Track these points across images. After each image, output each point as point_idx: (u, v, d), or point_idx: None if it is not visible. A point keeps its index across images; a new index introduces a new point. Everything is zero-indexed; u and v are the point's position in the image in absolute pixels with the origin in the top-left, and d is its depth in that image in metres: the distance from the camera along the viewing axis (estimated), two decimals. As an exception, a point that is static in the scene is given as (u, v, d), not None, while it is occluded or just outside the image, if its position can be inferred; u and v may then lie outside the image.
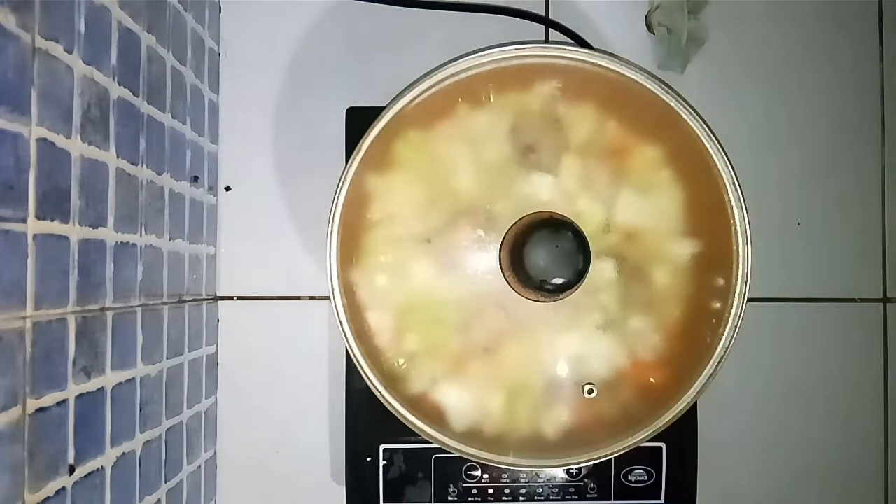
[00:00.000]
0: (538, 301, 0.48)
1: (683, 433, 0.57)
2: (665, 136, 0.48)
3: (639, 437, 0.48)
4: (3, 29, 0.31)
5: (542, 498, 0.56)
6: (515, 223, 0.48)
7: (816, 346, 0.65)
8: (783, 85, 0.65)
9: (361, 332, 0.48)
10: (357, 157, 0.47)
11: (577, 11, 0.64)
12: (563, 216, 0.47)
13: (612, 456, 0.48)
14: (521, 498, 0.56)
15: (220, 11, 0.63)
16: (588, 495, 0.56)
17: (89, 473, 0.39)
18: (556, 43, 0.48)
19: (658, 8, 0.62)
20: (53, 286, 0.36)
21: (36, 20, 0.34)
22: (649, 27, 0.64)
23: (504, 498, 0.56)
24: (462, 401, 0.48)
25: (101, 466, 0.41)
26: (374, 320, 0.48)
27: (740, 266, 0.47)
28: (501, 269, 0.48)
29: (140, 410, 0.46)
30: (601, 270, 0.48)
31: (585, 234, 0.46)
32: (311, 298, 0.63)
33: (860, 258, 0.65)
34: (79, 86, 0.38)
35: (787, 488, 0.64)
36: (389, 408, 0.47)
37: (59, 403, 0.36)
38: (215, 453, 0.62)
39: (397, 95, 0.47)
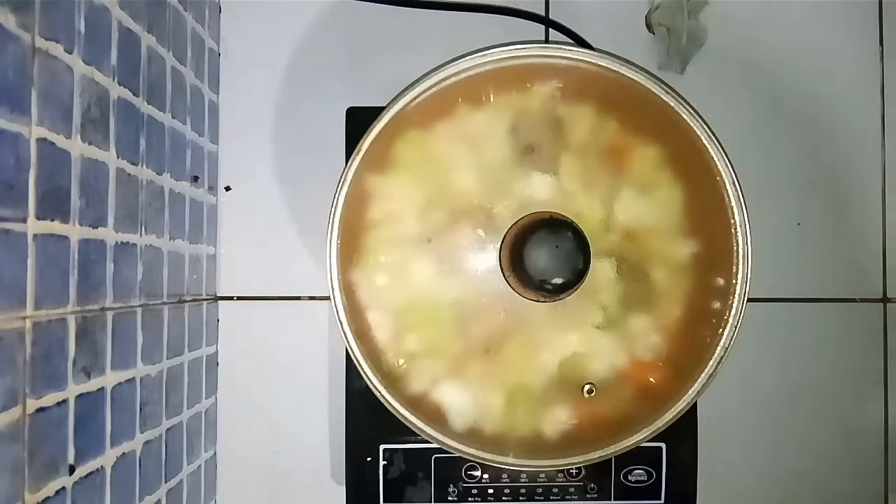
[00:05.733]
0: (538, 301, 0.48)
1: (683, 433, 0.57)
2: (665, 136, 0.48)
3: (639, 437, 0.48)
4: (3, 29, 0.31)
5: (542, 498, 0.56)
6: (515, 223, 0.48)
7: (816, 346, 0.65)
8: (783, 85, 0.65)
9: (361, 332, 0.48)
10: (357, 157, 0.47)
11: (577, 11, 0.64)
12: (563, 216, 0.47)
13: (612, 456, 0.48)
14: (521, 498, 0.56)
15: (220, 11, 0.63)
16: (588, 495, 0.56)
17: (89, 473, 0.39)
18: (556, 43, 0.48)
19: (658, 8, 0.62)
20: (53, 286, 0.36)
21: (36, 20, 0.34)
22: (649, 27, 0.64)
23: (504, 498, 0.56)
24: (462, 401, 0.48)
25: (101, 466, 0.41)
26: (374, 320, 0.48)
27: (740, 266, 0.47)
28: (501, 269, 0.48)
29: (140, 410, 0.46)
30: (601, 270, 0.48)
31: (585, 234, 0.46)
32: (311, 298, 0.63)
33: (860, 258, 0.65)
34: (79, 86, 0.38)
35: (788, 488, 0.64)
36: (389, 408, 0.47)
37: (59, 403, 0.36)
38: (215, 453, 0.62)
39: (397, 95, 0.47)
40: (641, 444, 0.48)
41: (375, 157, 0.47)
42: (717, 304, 0.48)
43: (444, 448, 0.47)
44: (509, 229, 0.48)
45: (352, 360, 0.47)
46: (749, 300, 0.47)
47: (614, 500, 0.57)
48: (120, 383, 0.43)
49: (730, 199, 0.47)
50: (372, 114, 0.47)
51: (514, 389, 0.48)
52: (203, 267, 0.59)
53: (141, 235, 0.46)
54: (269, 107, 0.63)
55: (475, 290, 0.48)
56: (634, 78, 0.47)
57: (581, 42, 0.61)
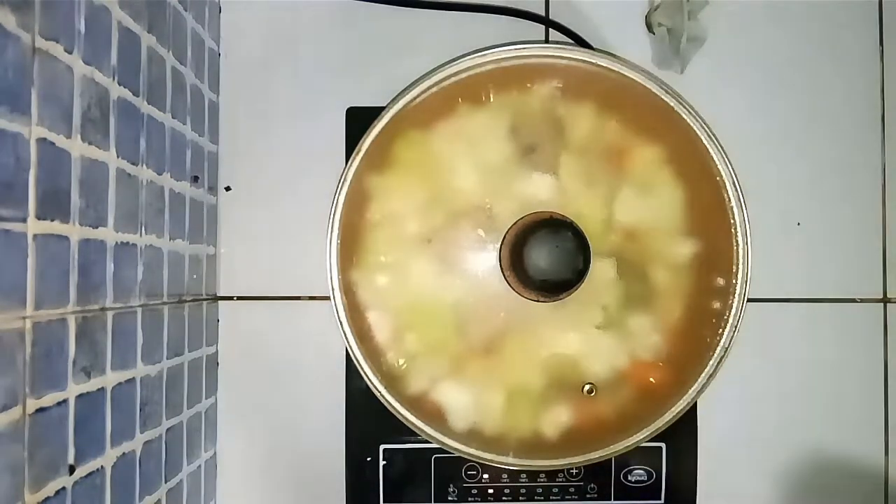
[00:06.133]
0: (538, 301, 0.48)
1: (683, 433, 0.57)
2: (665, 136, 0.48)
3: (639, 437, 0.48)
4: (3, 29, 0.31)
5: (542, 498, 0.56)
6: (515, 223, 0.48)
7: (816, 346, 0.64)
8: (783, 85, 0.65)
9: (361, 332, 0.48)
10: (357, 157, 0.47)
11: (577, 11, 0.64)
12: (563, 216, 0.47)
13: (612, 456, 0.48)
14: (521, 498, 0.56)
15: (220, 11, 0.63)
16: (588, 495, 0.56)
17: (89, 473, 0.39)
18: (556, 43, 0.48)
19: (658, 8, 0.62)
20: (53, 286, 0.36)
21: (36, 20, 0.34)
22: (649, 27, 0.64)
23: (504, 498, 0.56)
24: (462, 401, 0.48)
25: (101, 466, 0.41)
26: (374, 320, 0.48)
27: (740, 266, 0.47)
28: (501, 269, 0.48)
29: (140, 410, 0.46)
30: (601, 270, 0.48)
31: (585, 234, 0.46)
32: (311, 298, 0.63)
33: (860, 258, 0.65)
34: (79, 86, 0.38)
35: (787, 488, 0.64)
36: (389, 408, 0.47)
37: (59, 403, 0.36)
38: (215, 453, 0.62)
39: (397, 95, 0.47)
40: (641, 444, 0.48)
41: (375, 157, 0.47)
42: (717, 304, 0.48)
43: (444, 448, 0.47)
44: (509, 229, 0.48)
45: (352, 360, 0.48)
46: (749, 300, 0.47)
47: (614, 500, 0.57)
48: (120, 383, 0.43)
49: (730, 200, 0.47)
50: (372, 114, 0.47)
51: (514, 389, 0.48)
52: (203, 267, 0.59)
53: (141, 235, 0.46)
54: (269, 107, 0.63)
55: (475, 290, 0.48)
56: (634, 78, 0.47)
57: (581, 42, 0.61)
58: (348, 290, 0.47)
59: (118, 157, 0.43)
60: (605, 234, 0.48)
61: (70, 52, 0.37)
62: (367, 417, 0.57)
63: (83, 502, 0.39)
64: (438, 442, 0.47)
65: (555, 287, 0.46)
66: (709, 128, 0.47)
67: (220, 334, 0.63)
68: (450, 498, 0.56)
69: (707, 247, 0.48)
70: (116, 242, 0.43)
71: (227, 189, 0.63)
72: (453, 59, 0.47)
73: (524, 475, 0.56)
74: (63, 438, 0.37)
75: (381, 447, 0.56)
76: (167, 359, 0.51)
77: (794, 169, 0.65)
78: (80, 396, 0.38)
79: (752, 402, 0.64)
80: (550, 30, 0.63)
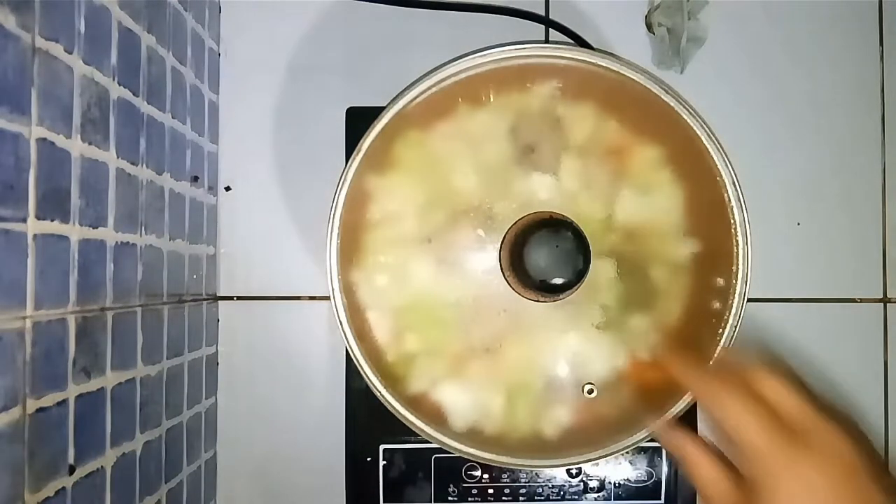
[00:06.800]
0: (538, 301, 0.48)
1: (683, 433, 0.57)
2: (665, 136, 0.48)
3: (639, 437, 0.48)
4: (3, 29, 0.31)
5: (542, 498, 0.56)
6: (515, 223, 0.48)
7: (816, 346, 0.64)
8: (783, 85, 0.65)
9: (361, 332, 0.48)
10: (357, 157, 0.47)
11: (577, 11, 0.64)
12: (563, 216, 0.47)
13: (612, 456, 0.48)
14: (521, 498, 0.56)
15: (220, 11, 0.63)
16: (588, 495, 0.56)
17: (89, 473, 0.39)
18: (556, 43, 0.48)
19: (658, 8, 0.62)
20: (53, 286, 0.36)
21: (36, 20, 0.34)
22: (649, 27, 0.64)
23: (504, 498, 0.56)
24: (462, 401, 0.48)
25: (101, 466, 0.41)
26: (374, 320, 0.48)
27: (740, 266, 0.47)
28: (501, 269, 0.48)
29: (140, 410, 0.46)
30: (601, 270, 0.48)
31: (585, 233, 0.46)
32: (311, 298, 0.63)
33: (860, 258, 0.65)
34: (79, 86, 0.38)
35: (787, 488, 0.64)
36: (389, 408, 0.47)
37: (59, 403, 0.36)
38: (215, 453, 0.62)
39: (397, 95, 0.47)
40: (641, 444, 0.48)
41: (375, 157, 0.47)
42: (717, 304, 0.48)
43: (444, 448, 0.47)
44: (509, 229, 0.48)
45: (352, 360, 0.48)
46: (749, 300, 0.47)
47: (614, 500, 0.57)
48: (120, 383, 0.43)
49: (730, 199, 0.47)
50: (372, 114, 0.47)
51: (514, 389, 0.48)
52: (203, 267, 0.59)
53: (141, 235, 0.46)
54: (269, 107, 0.63)
55: (475, 290, 0.48)
56: (634, 78, 0.47)
57: (581, 42, 0.61)
58: (348, 290, 0.47)
59: (118, 157, 0.43)
60: (605, 234, 0.48)
61: (70, 52, 0.37)
62: (367, 417, 0.57)
63: (83, 502, 0.39)
64: (438, 442, 0.47)
65: (555, 287, 0.46)
66: (709, 128, 0.47)
67: (220, 334, 0.63)
68: (450, 498, 0.56)
69: (707, 247, 0.48)
70: (116, 242, 0.43)
71: (227, 189, 0.63)
72: (453, 59, 0.47)
73: (524, 475, 0.56)
74: (63, 438, 0.37)
75: (381, 447, 0.56)
76: (167, 359, 0.51)
77: (794, 169, 0.65)
78: (80, 396, 0.38)
79: (752, 402, 0.64)
80: (550, 30, 0.63)
